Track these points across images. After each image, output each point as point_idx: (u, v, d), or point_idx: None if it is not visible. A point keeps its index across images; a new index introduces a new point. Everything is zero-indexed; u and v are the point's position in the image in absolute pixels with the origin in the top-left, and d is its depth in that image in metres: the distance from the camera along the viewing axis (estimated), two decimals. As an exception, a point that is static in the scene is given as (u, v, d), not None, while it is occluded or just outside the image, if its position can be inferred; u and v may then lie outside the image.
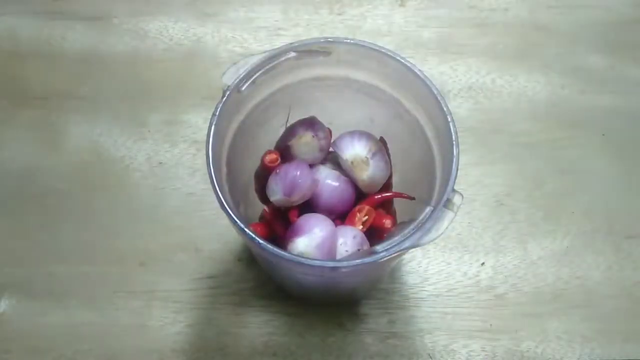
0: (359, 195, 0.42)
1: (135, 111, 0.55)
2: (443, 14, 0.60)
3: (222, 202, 0.32)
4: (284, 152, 0.41)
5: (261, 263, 0.44)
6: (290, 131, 0.41)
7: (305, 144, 0.40)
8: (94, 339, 0.46)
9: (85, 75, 0.56)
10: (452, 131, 0.34)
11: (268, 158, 0.40)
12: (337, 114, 0.43)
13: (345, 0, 0.60)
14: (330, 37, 0.37)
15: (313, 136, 0.40)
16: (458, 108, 0.55)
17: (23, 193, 0.51)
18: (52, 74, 0.56)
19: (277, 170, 0.39)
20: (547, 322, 0.47)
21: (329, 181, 0.40)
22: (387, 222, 0.40)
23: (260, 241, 0.31)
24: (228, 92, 0.35)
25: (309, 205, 0.40)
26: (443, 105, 0.34)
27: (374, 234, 0.40)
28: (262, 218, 0.43)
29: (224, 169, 0.36)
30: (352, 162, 0.40)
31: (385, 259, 0.31)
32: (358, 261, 0.31)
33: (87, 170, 0.52)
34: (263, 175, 0.41)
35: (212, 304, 0.47)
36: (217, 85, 0.36)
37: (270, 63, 0.36)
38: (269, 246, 0.31)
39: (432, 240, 0.32)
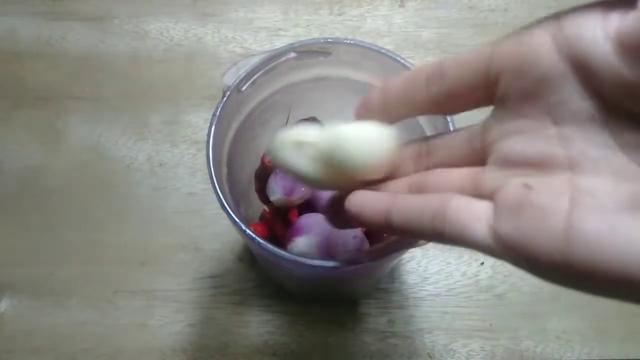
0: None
1: (135, 111, 0.55)
2: (442, 15, 0.60)
3: (222, 202, 0.32)
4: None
5: (261, 263, 0.44)
6: (290, 132, 0.41)
7: (305, 145, 0.40)
8: (95, 339, 0.46)
9: (86, 76, 0.56)
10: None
11: (268, 158, 0.40)
12: (337, 114, 0.43)
13: (345, 0, 0.61)
14: (330, 38, 0.37)
15: None
16: (457, 108, 0.55)
17: (23, 193, 0.51)
18: (53, 74, 0.57)
19: (277, 170, 0.39)
20: (547, 322, 0.47)
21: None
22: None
23: (260, 241, 0.31)
24: (228, 93, 0.35)
25: (309, 205, 0.40)
26: (443, 105, 0.34)
27: (374, 234, 0.40)
28: (262, 218, 0.43)
29: (224, 169, 0.36)
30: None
31: (384, 259, 0.31)
32: (358, 261, 0.31)
33: (88, 170, 0.52)
34: (263, 175, 0.41)
35: (213, 303, 0.47)
36: (218, 85, 0.36)
37: (271, 63, 0.36)
38: (269, 246, 0.31)
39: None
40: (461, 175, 0.24)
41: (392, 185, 0.26)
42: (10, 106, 0.55)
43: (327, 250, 0.37)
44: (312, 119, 0.41)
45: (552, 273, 0.19)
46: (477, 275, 0.48)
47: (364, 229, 0.40)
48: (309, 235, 0.37)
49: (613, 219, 0.18)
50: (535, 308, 0.47)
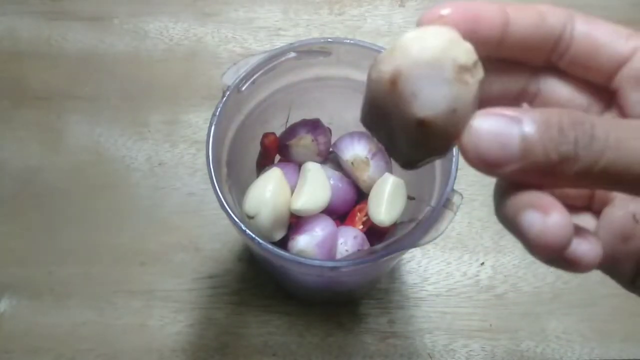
0: (360, 195, 0.42)
1: (135, 111, 0.55)
2: (443, 14, 0.60)
3: (222, 202, 0.32)
4: (282, 149, 0.41)
5: (261, 263, 0.44)
6: (292, 130, 0.41)
7: (304, 146, 0.40)
8: (94, 339, 0.46)
9: (86, 76, 0.56)
10: (451, 131, 0.34)
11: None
12: (337, 114, 0.43)
13: (345, 0, 0.60)
14: (330, 38, 0.37)
15: (313, 140, 0.40)
16: (458, 108, 0.55)
17: (23, 193, 0.51)
18: (52, 74, 0.57)
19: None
20: (547, 322, 0.47)
21: (330, 182, 0.40)
22: (387, 222, 0.40)
23: (260, 241, 0.31)
24: (228, 92, 0.35)
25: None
26: (443, 105, 0.34)
27: (374, 234, 0.40)
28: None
29: (224, 169, 0.36)
30: (352, 163, 0.40)
31: (385, 259, 0.31)
32: (358, 261, 0.31)
33: (88, 170, 0.52)
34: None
35: (212, 303, 0.47)
36: (217, 85, 0.36)
37: (271, 63, 0.36)
38: (269, 246, 0.31)
39: (431, 240, 0.32)
40: None
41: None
42: (10, 106, 0.55)
43: (327, 249, 0.37)
44: (316, 122, 0.41)
45: None
46: (477, 276, 0.48)
47: (364, 229, 0.40)
48: (310, 234, 0.36)
49: None
50: (536, 308, 0.47)
